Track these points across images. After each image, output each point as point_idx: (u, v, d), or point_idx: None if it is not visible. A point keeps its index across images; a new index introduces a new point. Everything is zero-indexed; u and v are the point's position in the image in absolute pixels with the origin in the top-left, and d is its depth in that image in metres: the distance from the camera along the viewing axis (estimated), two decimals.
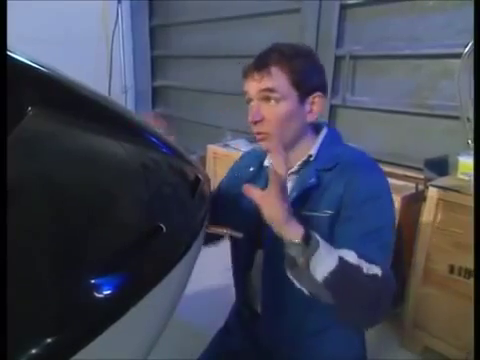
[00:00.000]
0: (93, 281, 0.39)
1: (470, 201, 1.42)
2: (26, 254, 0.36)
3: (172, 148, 0.61)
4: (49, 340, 0.34)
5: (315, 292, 0.78)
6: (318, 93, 0.89)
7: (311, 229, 0.83)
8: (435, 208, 1.53)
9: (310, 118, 0.91)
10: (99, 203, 0.45)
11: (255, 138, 1.00)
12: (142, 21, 3.98)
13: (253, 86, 0.88)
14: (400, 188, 1.84)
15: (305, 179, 0.90)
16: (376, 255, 0.79)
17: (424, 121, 2.12)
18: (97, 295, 0.38)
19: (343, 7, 2.35)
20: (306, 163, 0.92)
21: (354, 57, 2.34)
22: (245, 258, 1.00)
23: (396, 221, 0.89)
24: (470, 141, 1.67)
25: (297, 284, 0.79)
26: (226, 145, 2.71)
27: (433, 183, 1.57)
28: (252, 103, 0.90)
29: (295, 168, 0.93)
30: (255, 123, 0.90)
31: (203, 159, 2.86)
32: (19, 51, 0.51)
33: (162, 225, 0.45)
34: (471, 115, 1.65)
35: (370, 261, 0.77)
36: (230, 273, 1.09)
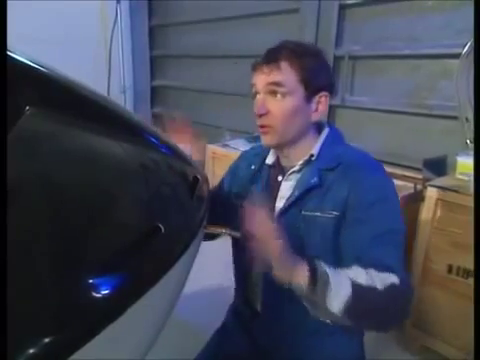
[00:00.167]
0: (91, 281, 0.39)
1: (469, 201, 1.42)
2: (24, 254, 0.36)
3: (171, 148, 0.61)
4: (47, 340, 0.34)
5: (335, 320, 0.76)
6: (324, 93, 0.90)
7: (313, 233, 0.84)
8: (434, 208, 1.53)
9: (314, 117, 0.91)
10: (97, 203, 0.45)
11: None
12: (141, 21, 3.97)
13: (261, 79, 0.89)
14: (399, 188, 1.83)
15: (307, 178, 0.90)
16: (391, 258, 0.80)
17: (423, 121, 2.12)
18: (95, 295, 0.38)
19: (342, 7, 2.35)
20: (308, 162, 0.92)
21: (353, 57, 2.34)
22: (246, 258, 1.00)
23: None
24: (469, 141, 1.68)
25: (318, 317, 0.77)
26: (225, 145, 2.71)
27: (432, 183, 1.57)
28: (258, 96, 0.90)
29: (297, 167, 0.93)
30: (260, 116, 0.90)
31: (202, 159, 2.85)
32: (18, 51, 0.51)
33: (160, 225, 0.45)
34: (469, 115, 1.66)
35: (385, 267, 0.77)
36: (229, 273, 1.09)
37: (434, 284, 1.59)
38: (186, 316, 1.49)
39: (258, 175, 1.02)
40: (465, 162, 1.58)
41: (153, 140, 0.60)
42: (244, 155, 1.13)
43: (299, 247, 0.89)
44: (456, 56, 1.73)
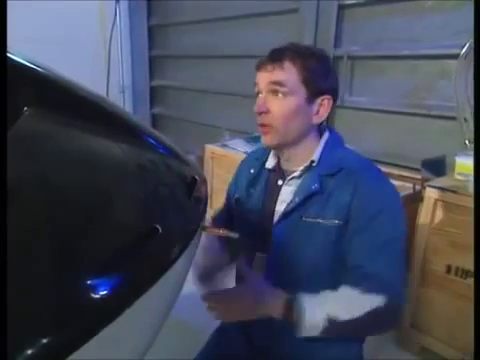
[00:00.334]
0: (89, 282, 0.39)
1: (467, 201, 1.43)
2: (22, 255, 0.36)
3: (169, 148, 0.61)
4: (45, 340, 0.34)
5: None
6: (327, 96, 0.90)
7: (314, 239, 0.87)
8: (432, 208, 1.54)
9: (316, 120, 0.91)
10: (95, 204, 0.45)
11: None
12: (140, 21, 3.98)
13: (264, 77, 0.89)
14: (397, 188, 1.84)
15: (308, 184, 0.90)
16: (390, 269, 0.83)
17: (421, 121, 2.12)
18: (93, 295, 0.38)
19: (341, 7, 2.35)
20: (308, 168, 0.92)
21: (352, 57, 2.35)
22: (248, 261, 1.00)
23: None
24: (467, 141, 1.68)
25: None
26: (224, 145, 2.71)
27: (430, 183, 1.57)
28: (260, 95, 0.90)
29: (297, 173, 0.93)
30: (260, 114, 0.90)
31: (201, 159, 2.85)
32: (16, 51, 0.51)
33: (158, 226, 0.45)
34: (468, 115, 1.66)
35: (380, 281, 0.81)
36: None
37: (433, 284, 1.59)
38: (185, 316, 1.50)
39: (257, 179, 1.01)
40: (464, 162, 1.58)
41: (151, 141, 0.59)
42: (244, 161, 1.14)
43: (299, 253, 0.89)
44: (455, 57, 1.73)
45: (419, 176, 1.83)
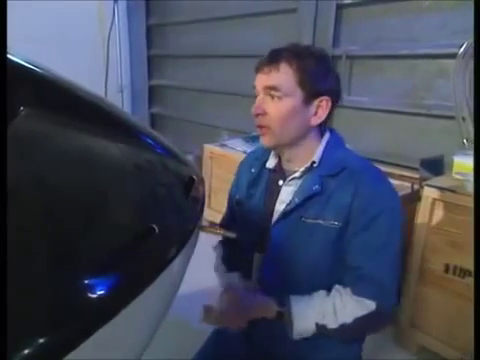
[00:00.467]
0: (86, 281, 0.39)
1: (465, 201, 1.43)
2: (18, 255, 0.36)
3: (166, 148, 0.61)
4: (42, 340, 0.34)
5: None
6: (325, 97, 0.89)
7: (313, 239, 0.89)
8: (430, 208, 1.54)
9: (314, 121, 0.91)
10: (92, 204, 0.44)
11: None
12: (139, 20, 3.98)
13: (261, 80, 0.89)
14: (396, 188, 1.84)
15: (308, 185, 0.90)
16: (386, 272, 0.86)
17: (420, 121, 2.13)
18: (90, 295, 0.38)
19: (339, 7, 2.36)
20: (309, 169, 0.92)
21: (351, 57, 2.35)
22: (246, 261, 1.00)
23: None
24: (465, 141, 1.68)
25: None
26: (223, 145, 2.71)
27: (429, 183, 1.57)
28: (258, 96, 0.91)
29: (298, 174, 0.93)
30: (257, 116, 0.90)
31: (200, 159, 2.85)
32: (13, 50, 0.51)
33: (154, 226, 0.45)
34: (466, 115, 1.66)
35: (375, 283, 0.84)
36: None
37: (431, 284, 1.59)
38: (185, 316, 1.50)
39: (258, 179, 1.01)
40: (462, 162, 1.58)
41: (149, 141, 0.59)
42: (243, 161, 1.13)
43: (297, 253, 0.90)
44: (453, 56, 1.73)
45: (417, 175, 1.83)
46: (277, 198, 0.95)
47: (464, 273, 1.49)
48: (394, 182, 1.96)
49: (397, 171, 2.09)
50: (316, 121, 0.91)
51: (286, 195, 0.94)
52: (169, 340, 1.44)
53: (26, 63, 0.52)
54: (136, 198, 0.50)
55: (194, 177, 0.59)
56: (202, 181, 0.63)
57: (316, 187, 0.88)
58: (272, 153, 1.00)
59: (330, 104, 0.90)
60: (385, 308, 0.85)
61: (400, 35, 2.14)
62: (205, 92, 3.50)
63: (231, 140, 2.76)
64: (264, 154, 1.02)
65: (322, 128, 0.96)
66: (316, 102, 0.89)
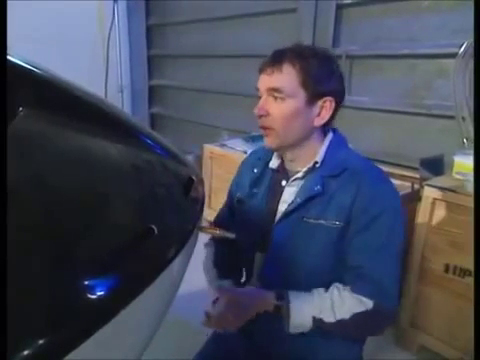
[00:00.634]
0: (86, 282, 0.39)
1: (466, 201, 1.43)
2: (18, 255, 0.36)
3: (166, 149, 0.61)
4: (41, 340, 0.34)
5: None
6: (329, 98, 0.89)
7: (314, 240, 0.89)
8: (431, 208, 1.54)
9: (317, 122, 0.90)
10: (91, 204, 0.44)
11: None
12: (138, 20, 3.98)
13: (264, 81, 0.89)
14: (396, 188, 1.85)
15: (310, 186, 0.90)
16: (385, 272, 0.85)
17: (420, 120, 2.12)
18: (90, 296, 0.38)
19: (339, 7, 2.36)
20: (312, 169, 0.92)
21: (350, 57, 2.35)
22: (247, 260, 1.00)
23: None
24: (465, 140, 1.68)
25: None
26: (223, 145, 2.71)
27: (429, 182, 1.57)
28: (261, 97, 0.91)
29: (300, 174, 0.93)
30: (260, 117, 0.90)
31: (200, 159, 2.85)
32: (13, 50, 0.51)
33: (154, 227, 0.45)
34: (466, 114, 1.66)
35: (374, 283, 0.84)
36: None
37: (431, 283, 1.59)
38: (185, 316, 1.50)
39: (261, 179, 1.01)
40: (462, 161, 1.58)
41: (148, 141, 0.59)
42: (245, 160, 1.13)
43: (298, 253, 0.90)
44: (452, 56, 1.73)
45: (417, 175, 1.83)
46: (280, 198, 0.95)
47: (464, 273, 1.49)
48: (394, 182, 1.97)
49: (397, 171, 2.09)
50: (319, 122, 0.91)
51: (288, 195, 0.94)
52: (169, 340, 1.44)
53: (25, 63, 0.52)
54: (135, 198, 0.50)
55: (193, 177, 0.59)
56: (201, 181, 0.63)
57: (318, 187, 0.88)
58: (275, 153, 1.00)
59: (334, 105, 0.90)
60: (384, 308, 0.84)
61: (400, 35, 2.14)
62: (205, 92, 3.50)
63: (231, 140, 2.76)
64: (267, 154, 1.02)
65: (325, 128, 0.96)
66: (319, 103, 0.89)
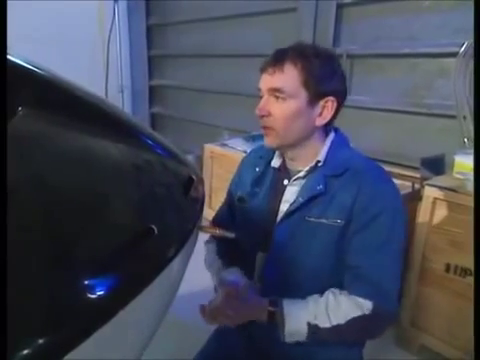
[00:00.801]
0: (85, 281, 0.39)
1: (466, 200, 1.43)
2: (18, 255, 0.36)
3: (166, 148, 0.61)
4: (41, 340, 0.34)
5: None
6: (331, 98, 0.88)
7: (316, 239, 0.89)
8: (431, 207, 1.54)
9: (319, 122, 0.90)
10: (91, 204, 0.44)
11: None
12: (139, 20, 3.98)
13: (266, 81, 0.89)
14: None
15: (312, 185, 0.90)
16: (386, 272, 0.85)
17: (421, 120, 2.12)
18: (89, 295, 0.38)
19: (339, 6, 2.36)
20: (314, 168, 0.92)
21: (351, 56, 2.35)
22: (249, 261, 1.00)
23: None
24: (466, 140, 1.68)
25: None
26: (223, 144, 2.71)
27: (429, 182, 1.57)
28: (262, 97, 0.90)
29: (302, 173, 0.93)
30: (261, 117, 0.90)
31: (200, 158, 2.85)
32: (13, 50, 0.51)
33: (153, 226, 0.45)
34: (467, 114, 1.66)
35: (374, 284, 0.83)
36: None
37: (432, 283, 1.59)
38: (185, 316, 1.50)
39: (263, 178, 1.01)
40: (463, 161, 1.58)
41: (148, 140, 0.59)
42: (246, 159, 1.13)
43: (300, 253, 0.89)
44: (453, 55, 1.73)
45: (418, 175, 1.83)
46: (281, 198, 0.95)
47: (465, 272, 1.48)
48: (394, 181, 1.97)
49: (398, 170, 2.08)
50: (321, 122, 0.90)
51: (290, 195, 0.94)
52: (169, 340, 1.44)
53: (25, 63, 0.52)
54: (135, 198, 0.50)
55: (193, 177, 0.59)
56: (201, 181, 0.63)
57: (320, 187, 0.88)
58: (277, 152, 1.00)
59: (335, 105, 0.89)
60: (383, 309, 0.84)
61: (400, 34, 2.14)
62: (205, 92, 3.50)
63: (231, 140, 2.76)
64: (268, 153, 1.02)
65: (327, 128, 0.95)
66: (321, 103, 0.88)
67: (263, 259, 0.97)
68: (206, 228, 0.70)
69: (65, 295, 0.37)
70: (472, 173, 1.12)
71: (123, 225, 0.46)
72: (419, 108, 2.09)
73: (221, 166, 2.61)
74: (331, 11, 2.36)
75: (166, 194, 0.55)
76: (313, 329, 0.83)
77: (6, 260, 0.34)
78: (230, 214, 1.09)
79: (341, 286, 0.88)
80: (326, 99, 0.88)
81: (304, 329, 0.83)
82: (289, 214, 0.91)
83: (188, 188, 0.56)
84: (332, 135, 0.95)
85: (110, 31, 3.56)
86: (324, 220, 0.87)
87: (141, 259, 0.44)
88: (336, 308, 0.83)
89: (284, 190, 0.95)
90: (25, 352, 0.33)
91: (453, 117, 1.79)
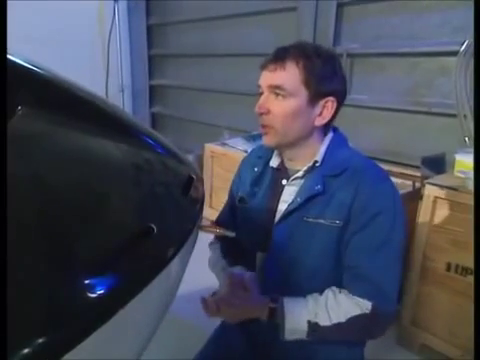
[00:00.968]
0: (85, 281, 0.39)
1: (467, 199, 1.42)
2: (17, 255, 0.36)
3: (166, 148, 0.61)
4: (41, 339, 0.34)
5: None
6: (331, 98, 0.88)
7: (314, 239, 0.89)
8: (432, 206, 1.53)
9: (318, 121, 0.90)
10: (90, 204, 0.44)
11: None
12: (139, 20, 3.97)
13: (266, 78, 0.89)
14: (397, 186, 1.84)
15: (310, 185, 0.89)
16: (384, 272, 0.84)
17: (421, 119, 2.12)
18: (89, 295, 0.38)
19: (340, 5, 2.35)
20: (312, 168, 0.92)
21: (351, 55, 2.35)
22: (249, 260, 1.00)
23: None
24: (467, 138, 1.68)
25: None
26: (224, 144, 2.71)
27: (430, 181, 1.57)
28: (263, 95, 0.90)
29: (300, 173, 0.93)
30: (260, 115, 0.89)
31: (200, 158, 2.85)
32: (13, 50, 0.51)
33: (153, 226, 0.45)
34: (467, 112, 1.66)
35: (373, 284, 0.83)
36: None
37: (433, 282, 1.59)
38: (186, 316, 1.50)
39: (262, 178, 1.01)
40: (463, 160, 1.58)
41: (148, 140, 0.59)
42: (246, 159, 1.13)
43: (299, 252, 0.89)
44: (454, 54, 1.73)
45: (419, 173, 1.83)
46: (280, 197, 0.95)
47: (466, 271, 1.48)
48: (395, 180, 1.97)
49: (398, 169, 2.08)
50: (320, 122, 0.90)
51: (288, 195, 0.93)
52: (169, 340, 1.44)
53: (25, 63, 0.52)
54: (135, 198, 0.50)
55: (193, 176, 0.59)
56: (201, 180, 0.63)
57: (318, 187, 0.87)
58: (275, 152, 0.99)
59: (335, 105, 0.89)
60: (383, 309, 0.83)
61: (401, 33, 2.13)
62: (206, 91, 3.50)
63: (232, 139, 2.76)
64: (267, 153, 1.02)
65: (325, 127, 0.95)
66: (321, 102, 0.88)
67: (262, 259, 0.97)
68: (206, 227, 0.70)
69: (64, 295, 0.37)
70: (473, 172, 1.12)
71: (122, 224, 0.46)
72: (420, 107, 2.09)
73: (221, 166, 2.61)
74: (331, 10, 2.36)
75: (166, 193, 0.55)
76: (313, 327, 0.83)
77: (6, 260, 0.34)
78: (232, 214, 1.09)
79: (341, 286, 0.87)
80: (326, 99, 0.88)
81: (304, 327, 0.83)
82: (287, 214, 0.91)
83: (188, 187, 0.56)
84: (330, 135, 0.95)
85: (110, 31, 3.56)
86: (322, 220, 0.87)
87: (140, 259, 0.44)
88: (336, 306, 0.83)
89: (282, 190, 0.95)
90: (25, 351, 0.33)
91: (454, 116, 1.79)
